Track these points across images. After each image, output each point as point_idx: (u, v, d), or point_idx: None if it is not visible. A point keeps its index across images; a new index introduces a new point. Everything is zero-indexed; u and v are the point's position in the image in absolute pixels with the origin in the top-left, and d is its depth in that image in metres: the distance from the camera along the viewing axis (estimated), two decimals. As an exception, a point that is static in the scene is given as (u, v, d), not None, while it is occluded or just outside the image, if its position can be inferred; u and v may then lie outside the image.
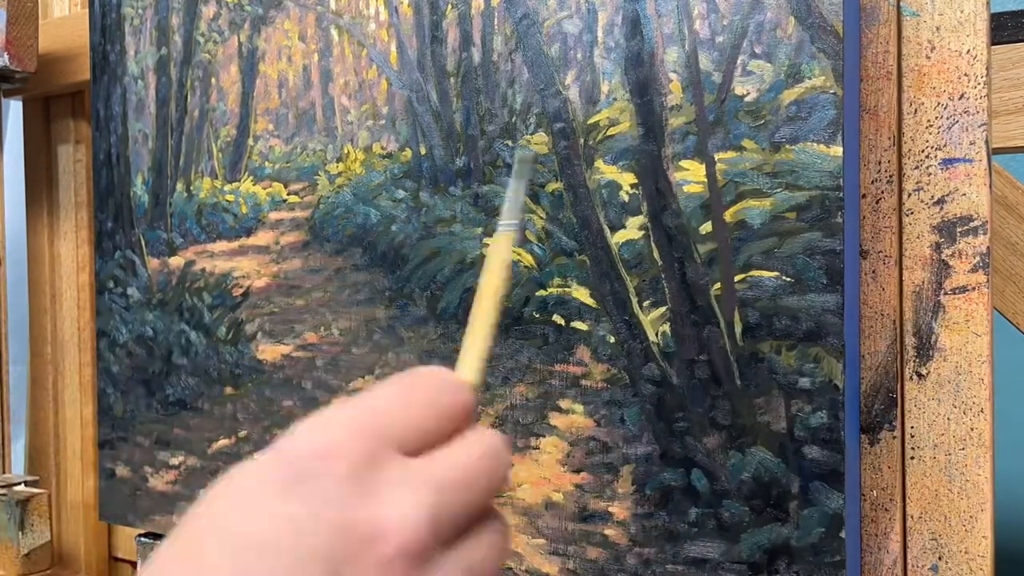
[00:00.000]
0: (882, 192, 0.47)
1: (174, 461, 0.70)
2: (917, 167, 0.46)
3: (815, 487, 0.45)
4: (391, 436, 0.27)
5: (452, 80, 0.57)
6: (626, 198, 0.50)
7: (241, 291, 0.67)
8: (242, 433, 0.66)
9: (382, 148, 0.60)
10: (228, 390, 0.67)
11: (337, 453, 0.26)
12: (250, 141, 0.66)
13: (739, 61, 0.47)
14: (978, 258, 0.45)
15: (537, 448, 0.54)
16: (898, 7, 0.46)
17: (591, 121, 0.51)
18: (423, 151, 0.58)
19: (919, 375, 0.46)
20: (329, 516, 0.25)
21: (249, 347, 0.66)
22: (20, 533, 0.84)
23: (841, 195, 0.44)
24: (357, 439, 0.26)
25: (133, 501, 0.73)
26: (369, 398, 0.28)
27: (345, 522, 0.25)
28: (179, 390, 0.70)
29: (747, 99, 0.46)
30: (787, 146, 0.45)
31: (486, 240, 0.55)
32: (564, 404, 0.53)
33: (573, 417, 0.52)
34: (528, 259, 0.54)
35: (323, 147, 0.63)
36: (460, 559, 0.27)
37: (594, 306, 0.51)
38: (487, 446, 0.29)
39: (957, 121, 0.45)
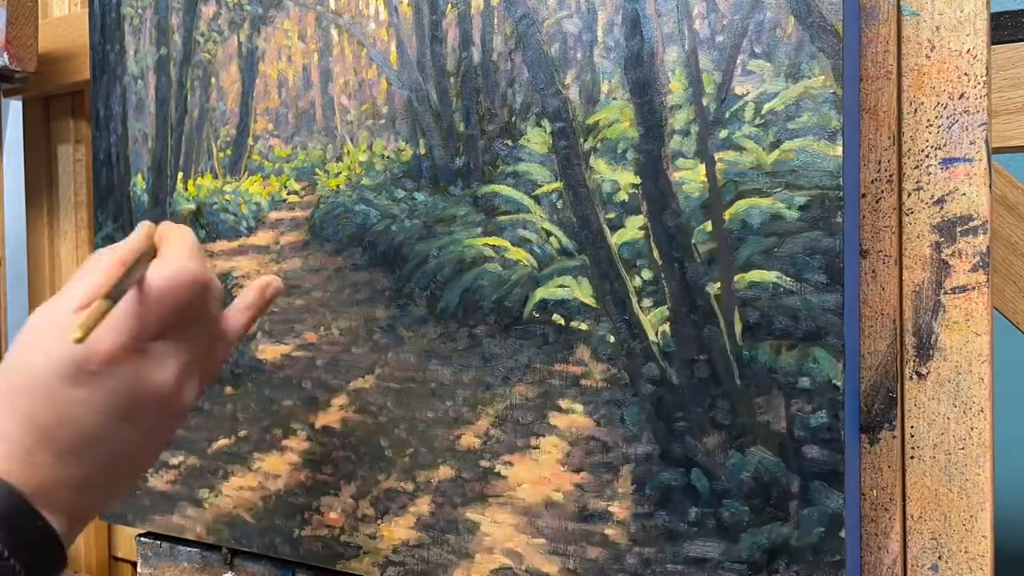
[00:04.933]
0: (882, 191, 0.47)
1: (174, 461, 0.70)
2: (917, 166, 0.46)
3: (815, 487, 0.45)
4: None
5: (452, 80, 0.57)
6: (626, 197, 0.50)
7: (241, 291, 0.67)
8: (242, 433, 0.66)
9: (382, 148, 0.60)
10: (228, 390, 0.67)
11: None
12: (250, 141, 0.66)
13: (739, 61, 0.47)
14: (978, 257, 0.45)
15: (537, 448, 0.54)
16: (898, 6, 0.46)
17: (591, 120, 0.51)
18: (423, 151, 0.58)
19: (919, 375, 0.46)
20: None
21: (249, 347, 0.66)
22: (20, 533, 0.84)
23: (841, 195, 0.44)
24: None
25: (133, 501, 0.72)
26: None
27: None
28: (179, 390, 0.70)
29: (747, 98, 0.46)
30: (787, 145, 0.45)
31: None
32: (564, 404, 0.53)
33: (573, 417, 0.52)
34: (528, 259, 0.54)
35: (323, 147, 0.63)
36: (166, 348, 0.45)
37: (594, 306, 0.51)
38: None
39: (957, 120, 0.45)
